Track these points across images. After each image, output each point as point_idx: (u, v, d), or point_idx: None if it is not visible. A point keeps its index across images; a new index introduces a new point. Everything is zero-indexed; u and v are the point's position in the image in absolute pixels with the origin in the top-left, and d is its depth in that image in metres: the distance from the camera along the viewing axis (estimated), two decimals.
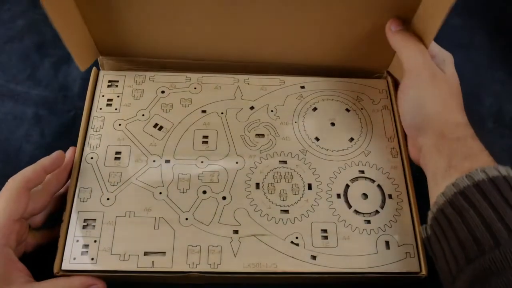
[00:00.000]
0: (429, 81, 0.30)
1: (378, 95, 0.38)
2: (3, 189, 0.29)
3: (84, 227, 0.31)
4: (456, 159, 0.27)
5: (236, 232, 0.31)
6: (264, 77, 0.39)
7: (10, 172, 0.36)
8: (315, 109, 0.37)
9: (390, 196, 0.34)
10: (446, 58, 0.32)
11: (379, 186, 0.34)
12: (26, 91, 0.41)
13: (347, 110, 0.38)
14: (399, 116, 0.37)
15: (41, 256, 0.31)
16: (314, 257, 0.31)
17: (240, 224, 0.32)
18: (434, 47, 0.33)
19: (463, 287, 0.24)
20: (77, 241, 0.30)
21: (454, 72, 0.32)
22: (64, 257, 0.30)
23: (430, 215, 0.27)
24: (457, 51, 0.35)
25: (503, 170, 0.25)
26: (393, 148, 0.36)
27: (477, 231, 0.23)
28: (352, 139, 0.36)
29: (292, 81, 0.39)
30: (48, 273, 0.29)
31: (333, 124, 0.37)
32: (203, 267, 0.30)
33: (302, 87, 0.38)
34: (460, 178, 0.25)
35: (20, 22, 0.45)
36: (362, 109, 0.38)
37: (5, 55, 0.43)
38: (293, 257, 0.31)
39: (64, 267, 0.29)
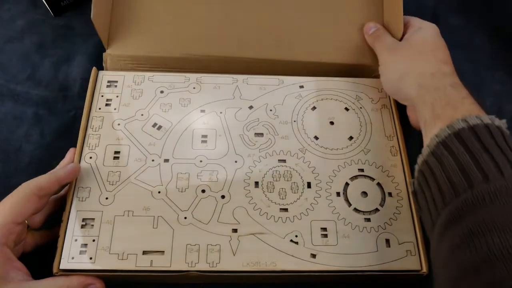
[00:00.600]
0: (388, 55, 0.35)
1: (377, 94, 0.38)
2: (15, 191, 0.29)
3: (82, 226, 0.31)
4: (438, 108, 0.28)
5: (235, 230, 0.31)
6: (263, 77, 0.39)
7: (10, 172, 0.37)
8: (314, 108, 0.37)
9: (390, 194, 0.34)
10: (423, 26, 0.35)
11: (378, 184, 0.34)
12: (26, 91, 0.41)
13: (346, 109, 0.38)
14: (398, 114, 0.37)
15: (41, 256, 0.31)
16: (313, 256, 0.31)
17: (239, 223, 0.32)
18: (417, 20, 0.37)
19: (439, 231, 0.24)
20: (76, 240, 0.30)
21: (426, 35, 0.35)
22: (62, 257, 0.30)
23: (416, 167, 0.28)
24: (457, 51, 0.35)
25: (486, 118, 0.26)
26: (393, 146, 0.36)
27: (453, 176, 0.24)
28: (351, 137, 0.36)
29: (291, 81, 0.39)
30: (48, 273, 0.29)
31: (332, 123, 0.37)
32: (202, 266, 0.30)
33: (301, 86, 0.38)
34: (442, 128, 0.26)
35: (20, 22, 0.45)
36: (361, 108, 0.38)
37: (5, 55, 0.43)
38: (292, 256, 0.31)
39: (62, 266, 0.29)
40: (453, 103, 0.28)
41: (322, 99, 0.38)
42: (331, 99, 0.38)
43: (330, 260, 0.30)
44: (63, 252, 0.30)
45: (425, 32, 0.35)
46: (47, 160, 0.36)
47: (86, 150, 0.34)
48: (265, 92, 0.38)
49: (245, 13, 0.39)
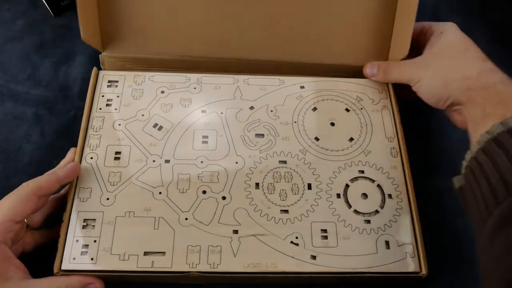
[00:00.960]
0: (420, 72, 0.33)
1: (378, 95, 0.38)
2: (15, 190, 0.29)
3: (84, 227, 0.31)
4: (489, 107, 0.28)
5: (236, 232, 0.31)
6: (263, 77, 0.39)
7: (10, 172, 0.37)
8: (314, 109, 0.37)
9: (390, 196, 0.34)
10: (444, 29, 0.34)
11: (379, 186, 0.34)
12: (26, 91, 0.41)
13: (347, 110, 0.37)
14: (399, 116, 0.37)
15: (41, 256, 0.31)
16: (314, 257, 0.31)
17: (240, 224, 0.32)
18: (434, 25, 0.35)
19: (491, 231, 0.23)
20: (77, 241, 0.30)
21: (451, 37, 0.34)
22: (64, 257, 0.30)
23: (464, 164, 0.27)
24: None
25: None
26: (393, 148, 0.36)
27: (507, 174, 0.23)
28: (352, 139, 0.36)
29: (292, 81, 0.39)
30: (47, 273, 0.29)
31: (332, 124, 0.37)
32: (203, 267, 0.30)
33: (302, 87, 0.38)
34: (494, 125, 0.25)
35: (20, 22, 0.45)
36: (362, 109, 0.38)
37: (5, 55, 0.43)
38: (293, 257, 0.31)
39: (64, 267, 0.29)
40: (505, 100, 0.27)
41: (323, 100, 0.38)
42: (332, 99, 0.38)
43: (330, 261, 0.31)
44: (64, 253, 0.30)
45: (449, 35, 0.34)
46: (47, 160, 0.36)
47: (87, 150, 0.34)
48: (266, 93, 0.38)
49: (246, 14, 0.39)
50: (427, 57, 0.34)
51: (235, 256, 0.30)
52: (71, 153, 0.34)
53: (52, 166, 0.34)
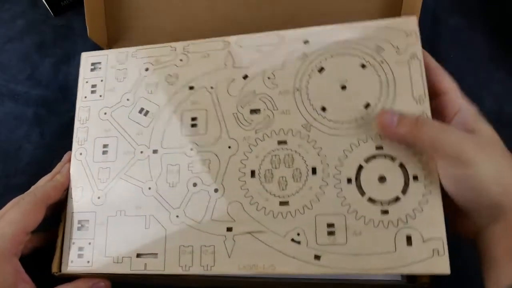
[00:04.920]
0: (477, 153, 0.23)
1: (404, 40, 0.29)
2: (19, 199, 0.29)
3: (79, 228, 0.30)
4: None
5: (230, 229, 0.28)
6: (258, 35, 0.32)
7: (10, 172, 0.38)
8: (321, 69, 0.30)
9: (415, 178, 0.26)
10: (472, 113, 0.26)
11: (401, 165, 0.26)
12: (26, 91, 0.41)
13: (363, 66, 0.29)
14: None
15: (39, 257, 0.31)
16: (318, 257, 0.26)
17: (234, 220, 0.28)
18: (456, 97, 0.27)
19: None
20: (73, 243, 0.30)
21: (488, 127, 0.26)
22: (62, 261, 0.30)
23: None
24: (457, 51, 0.35)
25: None
26: (423, 112, 0.27)
27: None
28: (368, 104, 0.28)
29: (293, 36, 0.31)
30: (45, 275, 0.29)
31: (344, 87, 0.29)
32: (196, 269, 0.27)
33: (306, 41, 0.31)
34: None
35: (20, 22, 0.45)
36: (382, 62, 0.29)
37: (5, 55, 0.44)
38: (293, 257, 0.26)
39: (64, 270, 0.30)
40: None
41: (331, 56, 0.30)
42: (344, 54, 0.30)
43: (337, 262, 0.26)
44: (62, 256, 0.30)
45: (483, 122, 0.26)
46: (47, 160, 0.36)
47: (75, 146, 0.32)
48: (261, 55, 0.31)
49: (252, 15, 0.35)
50: (478, 140, 0.25)
51: (229, 257, 0.27)
52: (67, 156, 0.33)
53: (52, 166, 0.33)
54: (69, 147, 0.33)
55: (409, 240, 0.25)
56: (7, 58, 0.43)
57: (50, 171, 0.33)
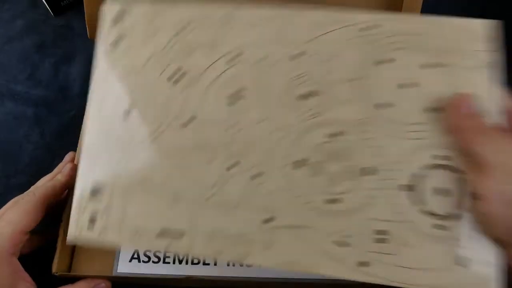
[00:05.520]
0: None
1: (478, 44, 0.26)
2: (19, 198, 0.29)
3: (92, 194, 0.27)
4: None
5: (269, 220, 0.25)
6: (317, 12, 0.27)
7: (10, 172, 0.37)
8: (389, 61, 0.26)
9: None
10: None
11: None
12: (26, 91, 0.41)
13: (432, 65, 0.26)
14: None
15: (39, 257, 0.30)
16: (363, 264, 0.24)
17: (274, 211, 0.25)
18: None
19: None
20: (85, 208, 0.27)
21: None
22: (69, 230, 0.27)
23: None
24: None
25: None
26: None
27: None
28: (436, 108, 0.25)
29: (358, 19, 0.27)
30: (47, 274, 0.29)
31: (409, 85, 0.26)
32: (228, 256, 0.25)
33: (372, 27, 0.27)
34: None
35: (20, 22, 0.45)
36: (454, 65, 0.26)
37: (5, 55, 0.43)
38: (337, 260, 0.24)
39: (69, 240, 0.27)
40: None
41: (398, 48, 0.26)
42: (413, 49, 0.26)
43: (385, 272, 0.24)
44: (69, 224, 0.27)
45: None
46: (47, 160, 0.37)
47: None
48: (319, 34, 0.27)
49: None
50: None
51: (266, 249, 0.25)
52: (68, 157, 0.34)
53: (53, 166, 0.33)
54: (69, 147, 0.34)
55: (462, 260, 0.24)
56: (7, 58, 0.43)
57: (50, 171, 0.33)
